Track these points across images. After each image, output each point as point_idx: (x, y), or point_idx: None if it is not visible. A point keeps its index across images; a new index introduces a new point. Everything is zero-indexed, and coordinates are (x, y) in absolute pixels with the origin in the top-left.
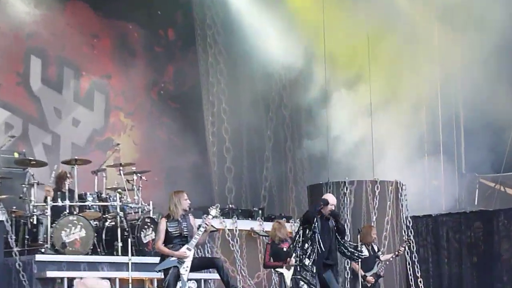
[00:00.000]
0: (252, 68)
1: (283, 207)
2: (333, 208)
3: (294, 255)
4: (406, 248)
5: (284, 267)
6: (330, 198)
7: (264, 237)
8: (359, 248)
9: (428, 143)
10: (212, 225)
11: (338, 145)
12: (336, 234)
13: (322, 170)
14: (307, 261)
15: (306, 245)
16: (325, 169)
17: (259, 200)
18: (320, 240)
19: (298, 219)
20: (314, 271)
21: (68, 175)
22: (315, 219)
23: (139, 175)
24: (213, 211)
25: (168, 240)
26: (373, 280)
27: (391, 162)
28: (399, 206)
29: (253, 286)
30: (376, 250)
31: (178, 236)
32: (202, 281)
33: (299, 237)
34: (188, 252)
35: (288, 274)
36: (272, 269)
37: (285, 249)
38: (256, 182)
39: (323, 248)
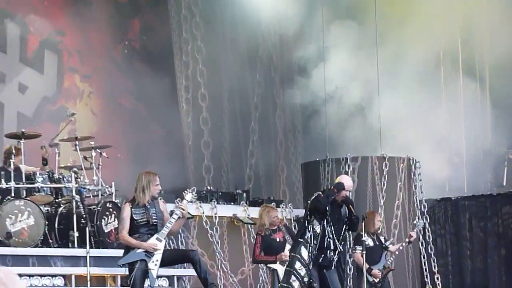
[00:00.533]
0: (234, 21)
1: (272, 189)
2: (348, 194)
3: (290, 247)
4: (420, 231)
5: (278, 262)
6: (346, 181)
7: (249, 225)
8: (363, 238)
9: (448, 113)
10: (187, 211)
11: (338, 116)
12: (347, 225)
13: (319, 145)
14: (304, 253)
15: (310, 235)
16: (323, 144)
17: (243, 181)
18: (332, 233)
19: (306, 203)
20: (311, 266)
21: (14, 151)
22: (327, 210)
23: (98, 151)
24: (188, 195)
25: (134, 229)
26: (380, 274)
27: (402, 135)
28: (411, 187)
29: (237, 284)
30: (383, 240)
31: (146, 224)
32: (175, 278)
33: (305, 226)
34: (158, 244)
35: (282, 270)
36: (263, 265)
37: (278, 240)
38: (239, 160)
39: (336, 242)
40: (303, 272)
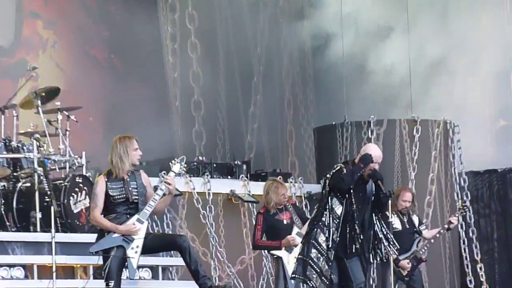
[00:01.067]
0: None
1: (278, 159)
2: (377, 167)
3: (297, 230)
4: (461, 219)
5: (283, 248)
6: (374, 151)
7: (250, 204)
8: (390, 220)
9: (493, 64)
10: (174, 187)
11: (359, 69)
12: (375, 205)
13: (335, 105)
14: (322, 239)
15: (328, 218)
16: (340, 104)
17: (242, 150)
18: (356, 215)
19: (323, 178)
20: (332, 256)
21: None
22: (351, 189)
23: (66, 113)
24: (176, 166)
25: (110, 208)
26: (409, 265)
27: (437, 94)
28: (449, 157)
29: (235, 275)
30: (417, 222)
31: (124, 202)
32: (160, 268)
33: (323, 206)
34: (139, 226)
35: (289, 258)
36: (265, 251)
37: (285, 222)
38: (238, 124)
39: (356, 227)
40: (321, 261)
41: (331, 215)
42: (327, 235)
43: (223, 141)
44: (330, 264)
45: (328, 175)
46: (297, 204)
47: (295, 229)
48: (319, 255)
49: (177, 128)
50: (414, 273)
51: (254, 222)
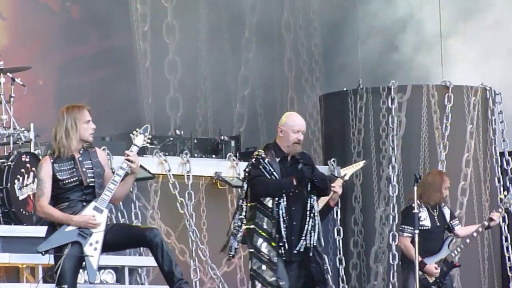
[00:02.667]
0: None
1: (274, 134)
2: (301, 137)
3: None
4: (503, 212)
5: None
6: (294, 120)
7: (240, 189)
8: (416, 211)
9: None
10: (138, 164)
11: (377, 24)
12: (313, 190)
13: (346, 67)
14: (260, 243)
15: (262, 219)
16: (352, 67)
17: (230, 122)
18: (291, 208)
19: (244, 172)
20: (275, 260)
21: None
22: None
23: (10, 75)
24: (139, 138)
25: (60, 195)
26: (437, 271)
27: (473, 56)
28: (488, 133)
29: (220, 279)
30: (448, 216)
31: (77, 186)
32: (126, 270)
33: (251, 203)
34: (98, 216)
35: None
36: None
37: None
38: (225, 89)
39: (294, 222)
40: (264, 270)
41: (264, 213)
42: (266, 238)
43: (205, 111)
44: (275, 268)
45: (248, 169)
46: None
47: None
48: (262, 264)
49: (146, 94)
50: (444, 280)
51: None
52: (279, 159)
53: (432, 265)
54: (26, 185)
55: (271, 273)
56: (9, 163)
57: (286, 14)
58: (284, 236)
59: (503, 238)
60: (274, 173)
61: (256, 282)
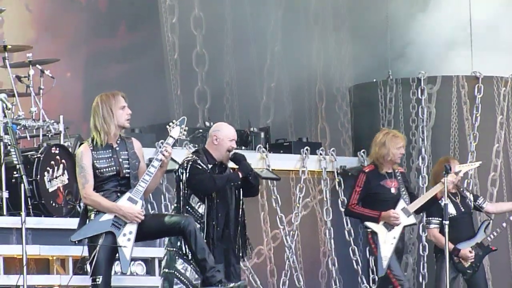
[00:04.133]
0: None
1: (303, 126)
2: (234, 145)
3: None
4: None
5: (382, 222)
6: (229, 130)
7: (270, 182)
8: (445, 202)
9: None
10: (169, 154)
11: (408, 13)
12: (245, 191)
13: (377, 58)
14: (183, 243)
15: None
16: (383, 57)
17: (257, 114)
18: (219, 210)
19: (176, 170)
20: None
21: None
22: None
23: (39, 67)
24: (175, 130)
25: (96, 184)
26: (472, 255)
27: (505, 43)
28: None
29: (250, 270)
30: (471, 198)
31: (114, 176)
32: (156, 262)
33: (180, 208)
34: (134, 207)
35: (386, 237)
36: (361, 223)
37: (392, 191)
38: (251, 82)
39: (217, 225)
40: (189, 271)
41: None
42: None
43: (234, 101)
44: (198, 269)
45: (181, 170)
46: (405, 173)
47: (401, 204)
48: (186, 264)
49: (175, 87)
50: (479, 264)
51: (275, 205)
52: (211, 165)
53: (467, 249)
54: (56, 177)
55: (196, 275)
56: (38, 155)
57: (314, 4)
58: (210, 239)
59: None
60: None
61: (177, 281)
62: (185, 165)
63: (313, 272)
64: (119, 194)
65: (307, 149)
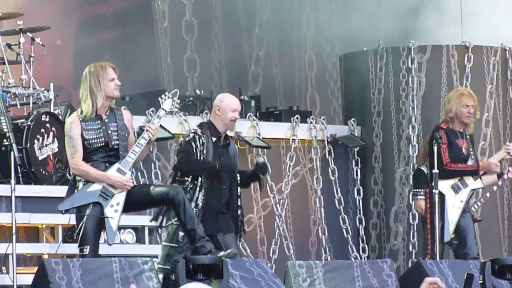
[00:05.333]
0: None
1: (292, 94)
2: (237, 115)
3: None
4: None
5: (450, 185)
6: (231, 100)
7: (260, 150)
8: (435, 171)
9: None
10: (155, 129)
11: None
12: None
13: (367, 26)
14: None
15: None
16: (373, 25)
17: (245, 82)
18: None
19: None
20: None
21: None
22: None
23: (29, 35)
24: (167, 103)
25: (85, 155)
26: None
27: (494, 14)
28: (508, 93)
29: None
30: None
31: (103, 147)
32: (146, 230)
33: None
34: (123, 177)
35: (455, 200)
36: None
37: (464, 151)
38: (239, 50)
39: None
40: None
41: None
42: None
43: (223, 68)
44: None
45: (180, 144)
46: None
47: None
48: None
49: (165, 54)
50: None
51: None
52: (215, 138)
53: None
54: (46, 145)
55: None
56: (28, 123)
57: None
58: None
59: None
60: (203, 152)
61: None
62: (184, 138)
63: (303, 241)
64: (107, 165)
65: (297, 118)
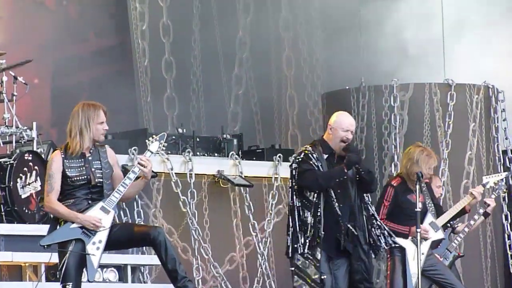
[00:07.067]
0: None
1: (274, 133)
2: (350, 136)
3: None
4: (503, 196)
5: (410, 238)
6: (344, 119)
7: (243, 188)
8: (417, 209)
9: None
10: (150, 169)
11: (378, 21)
12: (360, 186)
13: (349, 65)
14: (307, 243)
15: (306, 212)
16: (355, 64)
17: (225, 119)
18: (337, 203)
19: (293, 160)
20: (319, 256)
21: None
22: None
23: (12, 73)
24: (154, 145)
25: (66, 192)
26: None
27: (475, 53)
28: (491, 131)
29: (223, 277)
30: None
31: (85, 184)
32: (129, 268)
33: (292, 197)
34: (104, 218)
35: (415, 253)
36: None
37: (419, 205)
38: (218, 87)
39: (340, 218)
40: (307, 267)
41: (308, 209)
42: (308, 233)
43: (206, 108)
44: (318, 265)
45: (294, 164)
46: (430, 185)
47: (429, 218)
48: (305, 260)
49: (145, 93)
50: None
51: (248, 212)
52: (326, 155)
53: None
54: (29, 184)
55: (315, 270)
56: (11, 161)
57: (284, 12)
58: (329, 233)
59: (505, 235)
60: (320, 168)
61: (297, 278)
62: (298, 157)
63: (286, 279)
64: (90, 202)
65: (279, 156)
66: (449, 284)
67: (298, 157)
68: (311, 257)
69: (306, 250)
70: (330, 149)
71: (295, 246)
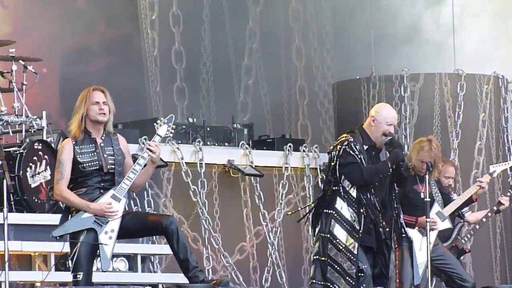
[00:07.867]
0: None
1: (284, 123)
2: (392, 130)
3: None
4: None
5: (417, 228)
6: (389, 112)
7: (253, 178)
8: (426, 199)
9: None
10: (159, 154)
11: (390, 12)
12: (394, 179)
13: (360, 55)
14: (338, 231)
15: (343, 204)
16: (365, 55)
17: (235, 109)
18: (373, 196)
19: (331, 149)
20: (355, 249)
21: None
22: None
23: (22, 62)
24: (163, 128)
25: (78, 180)
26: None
27: (485, 45)
28: (501, 121)
29: (233, 267)
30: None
31: (96, 171)
32: (138, 258)
33: (332, 191)
34: (115, 205)
35: (422, 243)
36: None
37: (423, 196)
38: (229, 78)
39: (377, 209)
40: (341, 258)
41: (346, 200)
42: (345, 226)
43: (215, 98)
44: (354, 259)
45: (334, 152)
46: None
47: (436, 207)
48: (338, 252)
49: (154, 83)
50: None
51: (258, 202)
52: (367, 146)
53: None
54: (39, 173)
55: (349, 263)
56: (21, 150)
57: (294, 2)
58: (365, 225)
59: None
60: (363, 161)
61: (329, 268)
62: (338, 147)
63: (296, 269)
64: (102, 191)
65: (290, 146)
66: (456, 274)
67: (340, 146)
68: (343, 248)
69: (339, 240)
70: (370, 141)
71: (326, 235)
